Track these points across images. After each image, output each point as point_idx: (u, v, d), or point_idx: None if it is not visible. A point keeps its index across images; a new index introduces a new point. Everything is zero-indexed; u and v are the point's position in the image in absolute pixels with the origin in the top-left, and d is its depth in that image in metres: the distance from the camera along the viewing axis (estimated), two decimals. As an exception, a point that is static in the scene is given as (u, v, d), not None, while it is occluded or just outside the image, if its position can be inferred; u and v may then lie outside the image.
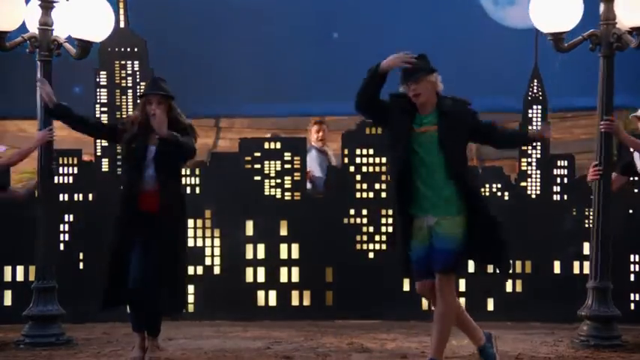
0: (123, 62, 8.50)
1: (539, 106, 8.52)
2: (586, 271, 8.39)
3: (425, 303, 8.37)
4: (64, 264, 8.29)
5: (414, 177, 6.15)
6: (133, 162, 6.69)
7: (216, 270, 8.59)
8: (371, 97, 6.15)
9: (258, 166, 8.64)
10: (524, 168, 8.57)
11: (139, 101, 6.96)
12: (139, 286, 6.62)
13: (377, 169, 8.64)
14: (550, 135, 6.73)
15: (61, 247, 8.45)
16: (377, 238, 8.66)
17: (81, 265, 8.50)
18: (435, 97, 6.20)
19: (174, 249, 6.74)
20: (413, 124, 6.16)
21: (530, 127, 8.58)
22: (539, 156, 8.54)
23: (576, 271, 8.57)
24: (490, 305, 8.62)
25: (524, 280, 8.58)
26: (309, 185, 9.76)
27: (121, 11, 8.24)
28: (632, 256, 8.60)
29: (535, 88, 8.50)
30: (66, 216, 8.45)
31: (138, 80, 8.46)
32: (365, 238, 8.63)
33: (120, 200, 6.76)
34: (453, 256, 6.13)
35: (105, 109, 8.49)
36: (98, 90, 8.53)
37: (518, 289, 8.59)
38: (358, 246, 8.64)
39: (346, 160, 8.73)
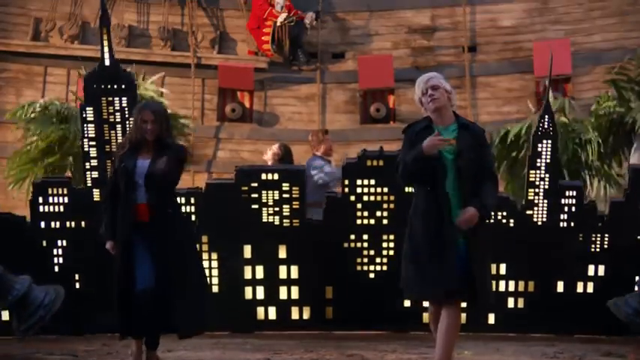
0: (110, 99, 8.12)
1: (550, 141, 8.46)
2: (589, 290, 8.41)
3: (425, 316, 8.35)
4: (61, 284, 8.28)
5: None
6: (125, 178, 6.76)
7: (215, 289, 8.51)
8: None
9: (255, 195, 8.46)
10: (530, 197, 8.50)
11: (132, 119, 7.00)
12: (145, 290, 6.65)
13: (378, 198, 8.46)
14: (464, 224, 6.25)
15: (56, 269, 8.41)
16: (378, 260, 8.48)
17: (77, 285, 8.44)
18: (450, 111, 6.29)
19: (181, 258, 6.80)
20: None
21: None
22: (547, 187, 8.48)
23: (579, 289, 8.53)
24: (491, 319, 8.59)
25: (526, 298, 8.55)
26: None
27: (106, 49, 7.96)
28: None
29: (546, 123, 8.46)
30: (59, 241, 8.39)
31: (127, 115, 8.12)
32: (365, 260, 8.48)
33: (119, 215, 6.83)
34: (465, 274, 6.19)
35: (93, 143, 8.22)
36: (85, 125, 8.19)
37: (520, 305, 8.57)
38: (359, 267, 8.50)
39: (347, 190, 8.51)
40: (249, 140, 12.80)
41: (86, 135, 8.19)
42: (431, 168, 6.18)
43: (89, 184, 8.29)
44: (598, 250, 8.46)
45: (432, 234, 6.11)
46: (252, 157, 12.55)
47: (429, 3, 13.13)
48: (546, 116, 8.51)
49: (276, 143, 10.63)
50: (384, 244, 8.47)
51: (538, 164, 8.49)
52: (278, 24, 12.85)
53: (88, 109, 8.18)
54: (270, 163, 10.37)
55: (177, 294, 6.77)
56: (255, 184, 8.43)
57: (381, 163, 8.43)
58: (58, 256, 8.36)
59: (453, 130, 6.26)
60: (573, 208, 8.48)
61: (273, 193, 8.45)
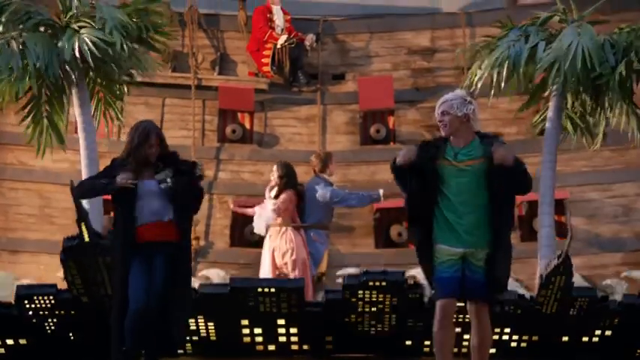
0: (90, 259, 8.18)
1: (564, 277, 8.47)
2: (595, 339, 8.45)
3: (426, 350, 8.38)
4: (55, 340, 8.41)
5: (443, 206, 6.31)
6: (129, 198, 6.79)
7: (212, 337, 8.49)
8: (409, 181, 6.45)
9: (252, 303, 8.40)
10: (541, 300, 8.52)
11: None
12: (143, 309, 6.65)
13: (380, 298, 8.36)
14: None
15: (49, 331, 8.47)
16: (379, 325, 8.49)
17: (72, 338, 8.49)
18: (468, 131, 6.34)
19: (184, 277, 6.84)
20: (445, 155, 6.35)
21: None
22: (559, 296, 8.48)
23: (585, 339, 8.55)
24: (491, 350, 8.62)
25: (529, 343, 8.58)
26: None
27: (85, 233, 8.05)
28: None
29: (561, 268, 8.48)
30: (49, 319, 8.42)
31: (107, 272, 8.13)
32: (366, 326, 8.48)
33: (116, 234, 6.86)
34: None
35: (80, 286, 8.25)
36: (69, 276, 8.22)
37: (523, 345, 8.60)
38: (360, 327, 8.52)
39: (347, 296, 8.44)
40: (250, 161, 12.79)
41: (69, 280, 8.21)
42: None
43: (75, 294, 8.31)
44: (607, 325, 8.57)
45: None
46: (252, 177, 12.56)
47: (428, 25, 13.17)
48: (562, 267, 8.37)
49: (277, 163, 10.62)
50: (386, 322, 8.47)
51: (550, 287, 8.44)
52: (278, 46, 12.88)
53: (70, 267, 8.17)
54: (273, 184, 10.42)
55: (175, 313, 6.81)
56: (251, 295, 8.36)
57: (383, 283, 8.32)
58: (49, 326, 8.43)
59: (470, 151, 6.33)
60: (585, 306, 8.48)
61: (270, 301, 8.33)
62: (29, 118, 10.01)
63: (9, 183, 12.52)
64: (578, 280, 11.63)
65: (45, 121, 9.99)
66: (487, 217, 6.26)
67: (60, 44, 9.48)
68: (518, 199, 11.95)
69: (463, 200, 6.26)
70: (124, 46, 9.49)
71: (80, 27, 9.57)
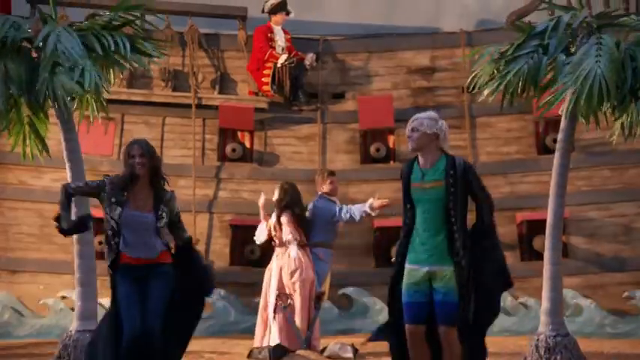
0: None
1: None
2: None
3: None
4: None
5: (415, 227, 6.47)
6: (120, 228, 6.79)
7: None
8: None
9: None
10: None
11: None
12: (139, 335, 6.63)
13: None
14: None
15: None
16: None
17: None
18: (436, 152, 6.40)
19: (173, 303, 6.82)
20: (412, 177, 6.38)
21: None
22: None
23: None
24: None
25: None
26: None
27: None
28: None
29: None
30: None
31: None
32: None
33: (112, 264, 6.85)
34: (457, 308, 6.29)
35: None
36: None
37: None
38: None
39: None
40: (250, 180, 12.80)
41: None
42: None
43: None
44: None
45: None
46: (252, 196, 12.53)
47: (428, 44, 13.20)
48: None
49: (278, 185, 10.57)
50: None
51: None
52: (278, 65, 12.91)
53: None
54: (274, 202, 10.39)
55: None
56: None
57: None
58: None
59: (436, 172, 6.40)
60: None
61: None
62: (11, 125, 9.65)
63: (9, 202, 12.53)
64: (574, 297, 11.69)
65: (27, 127, 9.67)
66: (450, 238, 6.32)
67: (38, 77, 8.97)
68: (518, 217, 12.11)
69: (428, 220, 6.35)
70: (99, 78, 9.03)
71: (55, 63, 8.96)
